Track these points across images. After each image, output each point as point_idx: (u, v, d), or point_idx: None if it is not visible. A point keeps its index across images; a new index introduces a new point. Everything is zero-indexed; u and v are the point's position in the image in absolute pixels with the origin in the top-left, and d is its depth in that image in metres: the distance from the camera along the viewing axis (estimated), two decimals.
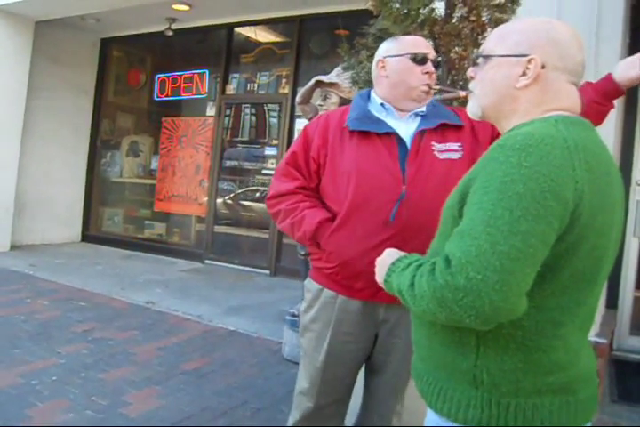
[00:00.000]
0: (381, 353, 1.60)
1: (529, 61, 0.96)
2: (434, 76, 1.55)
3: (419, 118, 1.56)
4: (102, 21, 6.37)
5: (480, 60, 1.04)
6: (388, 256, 1.05)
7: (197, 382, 2.81)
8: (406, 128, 1.53)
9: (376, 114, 1.55)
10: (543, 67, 0.96)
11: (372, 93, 1.61)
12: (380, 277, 1.04)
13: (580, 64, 0.99)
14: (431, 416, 0.99)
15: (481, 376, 0.90)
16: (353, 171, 1.48)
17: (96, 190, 7.30)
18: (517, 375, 0.89)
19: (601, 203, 0.88)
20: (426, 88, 1.52)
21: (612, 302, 3.48)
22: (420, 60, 1.51)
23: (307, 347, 1.63)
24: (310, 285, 1.63)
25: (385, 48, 1.58)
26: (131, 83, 7.27)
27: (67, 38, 6.70)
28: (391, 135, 1.50)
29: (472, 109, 1.07)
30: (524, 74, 0.97)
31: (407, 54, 1.52)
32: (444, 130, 1.53)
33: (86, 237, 7.16)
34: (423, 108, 1.56)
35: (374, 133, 1.50)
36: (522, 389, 0.89)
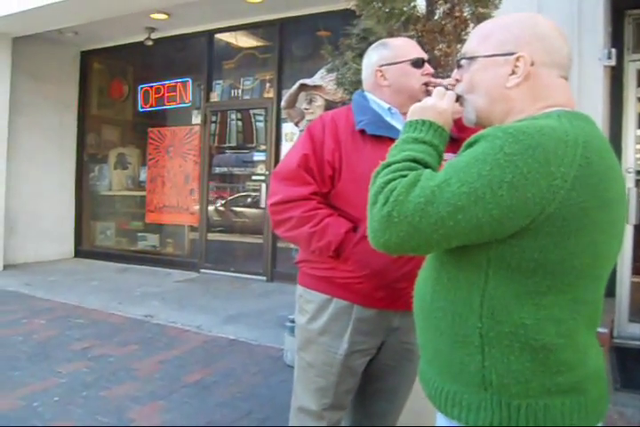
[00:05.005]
0: (389, 359, 1.58)
1: (517, 59, 0.93)
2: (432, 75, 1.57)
3: None
4: (81, 34, 6.33)
5: (464, 62, 1.01)
6: (439, 114, 1.00)
7: (201, 394, 2.79)
8: None
9: (387, 119, 1.54)
10: (532, 64, 0.93)
11: (371, 96, 1.57)
12: (416, 116, 1.01)
13: (567, 57, 0.97)
14: (441, 420, 0.98)
15: (490, 377, 0.88)
16: None
17: (86, 205, 7.25)
18: (526, 376, 0.86)
19: (598, 199, 0.84)
20: (424, 87, 1.52)
21: (610, 291, 3.50)
22: (419, 64, 1.52)
23: (313, 361, 1.55)
24: (311, 295, 1.54)
25: (379, 56, 1.55)
26: (114, 95, 7.23)
27: (46, 53, 6.64)
28: None
29: (466, 115, 1.03)
30: (513, 73, 0.94)
31: (407, 61, 1.52)
32: None
33: (79, 252, 7.11)
34: None
35: (388, 138, 1.46)
36: (531, 389, 0.86)
